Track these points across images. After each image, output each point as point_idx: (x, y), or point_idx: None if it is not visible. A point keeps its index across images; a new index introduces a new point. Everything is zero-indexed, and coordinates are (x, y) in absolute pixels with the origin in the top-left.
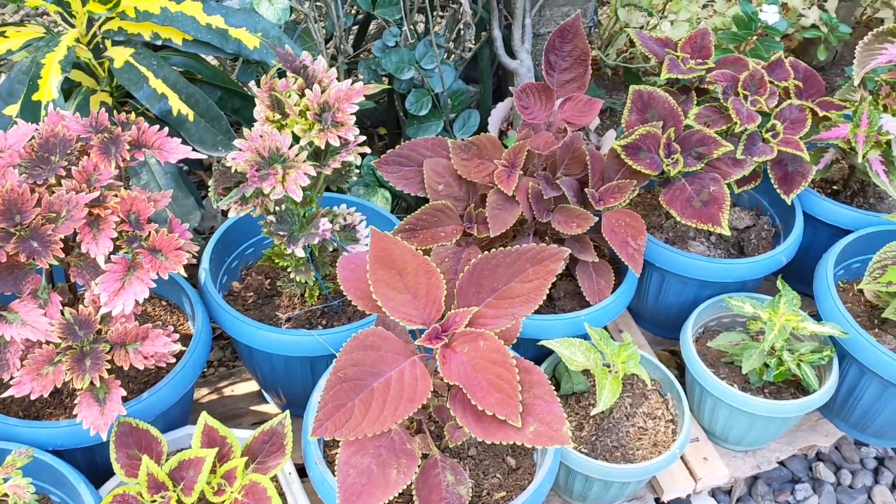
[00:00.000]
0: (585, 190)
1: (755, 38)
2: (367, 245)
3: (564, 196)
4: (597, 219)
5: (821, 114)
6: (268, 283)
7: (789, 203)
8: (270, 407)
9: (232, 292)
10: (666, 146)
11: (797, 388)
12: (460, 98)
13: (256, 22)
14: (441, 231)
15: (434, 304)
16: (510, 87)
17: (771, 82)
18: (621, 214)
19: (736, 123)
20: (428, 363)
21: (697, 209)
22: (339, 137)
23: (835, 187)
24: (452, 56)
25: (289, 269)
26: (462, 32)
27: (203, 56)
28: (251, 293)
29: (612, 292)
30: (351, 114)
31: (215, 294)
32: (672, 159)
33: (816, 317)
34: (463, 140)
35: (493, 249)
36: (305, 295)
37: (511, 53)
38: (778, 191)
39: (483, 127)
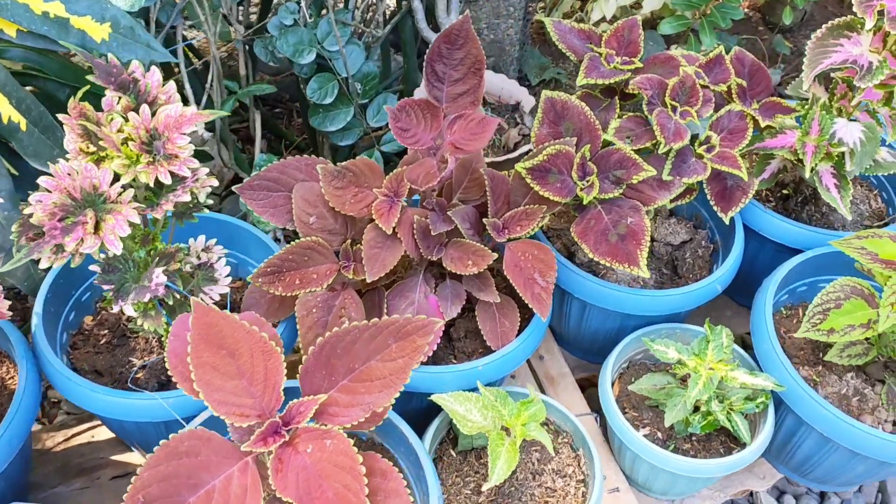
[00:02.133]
0: (485, 220)
1: (712, 2)
2: (227, 287)
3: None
4: (496, 256)
5: (763, 124)
6: (126, 317)
7: (727, 221)
8: (135, 456)
9: (82, 330)
10: (580, 167)
11: (729, 435)
12: (372, 82)
13: (104, 9)
14: (313, 272)
15: (274, 391)
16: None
17: (705, 87)
18: (529, 246)
19: (660, 143)
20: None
21: (613, 244)
22: (171, 173)
23: (785, 191)
24: (365, 34)
25: (136, 314)
26: (374, 6)
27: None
28: (105, 331)
29: (517, 335)
30: (182, 145)
31: (45, 346)
32: (587, 182)
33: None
34: (337, 165)
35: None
36: (164, 338)
37: (436, 26)
38: (715, 208)
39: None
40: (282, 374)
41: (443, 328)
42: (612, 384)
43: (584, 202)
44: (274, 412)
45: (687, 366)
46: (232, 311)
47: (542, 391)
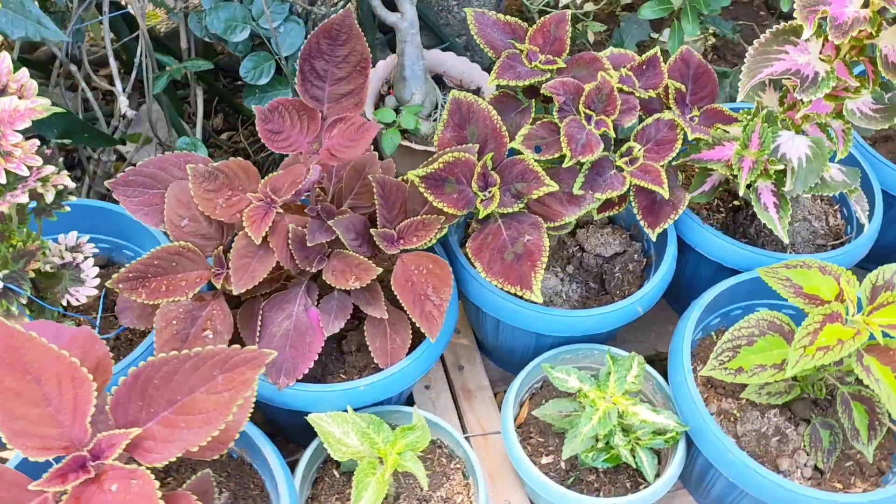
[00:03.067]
0: (372, 230)
1: None
2: (95, 289)
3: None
4: (381, 270)
5: (691, 136)
6: None
7: (654, 238)
8: None
9: None
10: (481, 177)
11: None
12: None
13: None
14: (182, 279)
15: (82, 422)
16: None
17: (629, 93)
18: (424, 259)
19: (565, 156)
20: None
21: (508, 264)
22: (7, 171)
23: (736, 202)
24: (311, 13)
25: None
26: None
27: None
28: None
29: (409, 352)
30: (15, 143)
31: None
32: (487, 194)
33: None
34: (209, 166)
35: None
36: None
37: (391, 3)
38: (642, 222)
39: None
40: (92, 402)
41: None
42: (522, 404)
43: (480, 216)
44: (82, 445)
45: (587, 396)
46: None
47: (457, 404)
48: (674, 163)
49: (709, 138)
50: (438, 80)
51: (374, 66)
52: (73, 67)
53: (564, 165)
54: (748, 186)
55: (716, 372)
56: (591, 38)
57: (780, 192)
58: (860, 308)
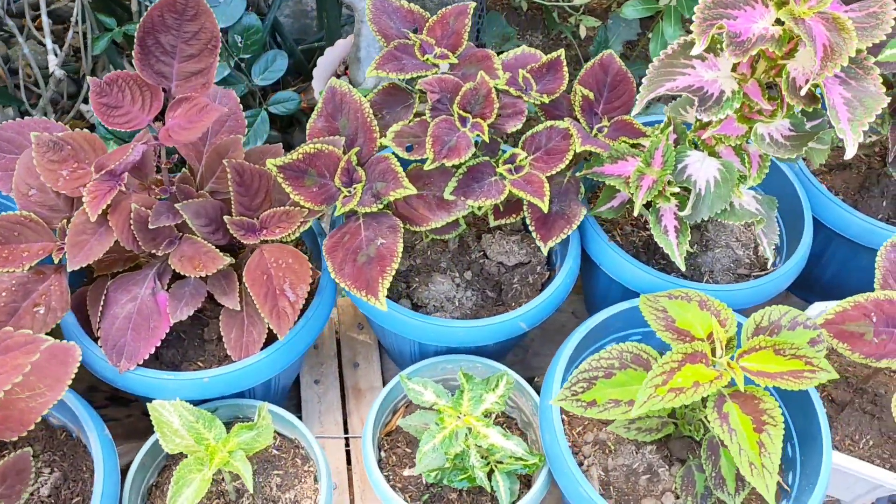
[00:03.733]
0: (225, 218)
1: None
2: None
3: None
4: (229, 261)
5: (580, 147)
6: None
7: (545, 252)
8: None
9: None
10: (345, 172)
11: None
12: (254, 36)
13: None
14: (24, 250)
15: None
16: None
17: (517, 97)
18: (284, 252)
19: (427, 159)
20: None
21: (359, 267)
22: None
23: None
24: None
25: None
26: None
27: None
28: None
29: (265, 346)
30: None
31: None
32: (351, 191)
33: None
34: (54, 135)
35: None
36: None
37: None
38: (534, 234)
39: (300, 70)
40: None
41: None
42: (397, 411)
43: (337, 213)
44: None
45: (443, 411)
46: None
47: (344, 403)
48: (577, 174)
49: (603, 152)
50: None
51: (332, 45)
52: (10, 22)
53: (426, 167)
54: (648, 206)
55: (566, 403)
56: (583, 32)
57: (681, 218)
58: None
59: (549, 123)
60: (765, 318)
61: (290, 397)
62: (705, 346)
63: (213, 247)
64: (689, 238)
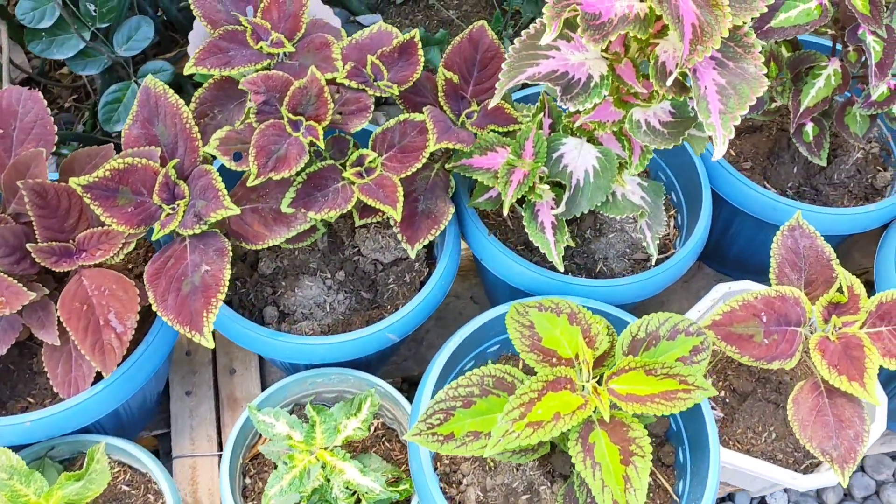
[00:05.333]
0: (29, 246)
1: None
2: None
3: None
4: (33, 296)
5: (434, 146)
6: None
7: (412, 256)
8: None
9: None
10: (164, 188)
11: None
12: (109, 4)
13: None
14: None
15: None
16: None
17: (360, 90)
18: (105, 277)
19: (250, 173)
20: None
21: (184, 297)
22: None
23: None
24: None
25: None
26: None
27: None
28: None
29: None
30: None
31: None
32: (173, 209)
33: None
34: None
35: None
36: None
37: None
38: (400, 236)
39: (184, 32)
40: None
41: None
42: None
43: (155, 235)
44: None
45: (295, 446)
46: None
47: (219, 417)
48: (447, 166)
49: (463, 147)
50: None
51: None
52: None
53: (249, 183)
54: (521, 202)
55: (421, 438)
56: None
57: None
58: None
59: (402, 117)
60: (641, 329)
61: (162, 409)
62: (569, 370)
63: (15, 280)
64: (566, 235)
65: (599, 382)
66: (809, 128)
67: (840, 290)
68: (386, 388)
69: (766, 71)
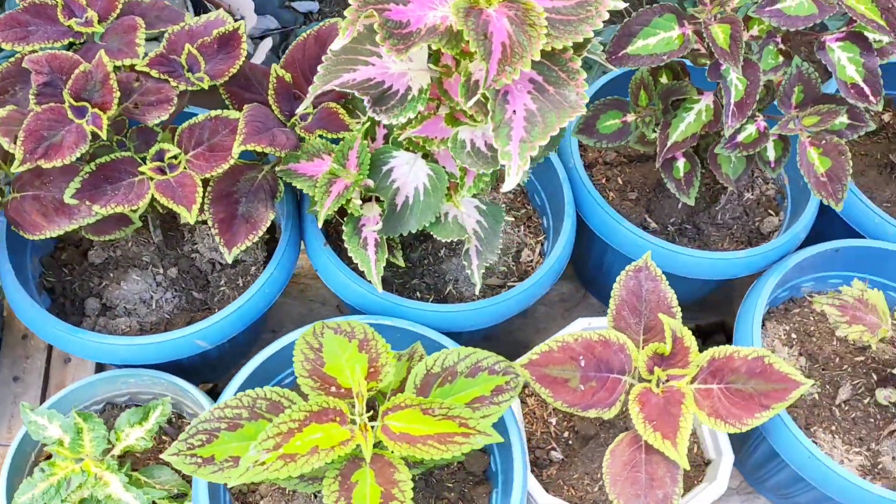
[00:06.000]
0: None
1: None
2: None
3: None
4: None
5: (239, 148)
6: None
7: (229, 260)
8: None
9: None
10: None
11: None
12: None
13: None
14: None
15: None
16: None
17: (163, 80)
18: None
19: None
20: None
21: None
22: None
23: None
24: None
25: None
26: None
27: None
28: None
29: None
30: None
31: None
32: None
33: None
34: None
35: None
36: None
37: None
38: (218, 239)
39: None
40: None
41: None
42: None
43: None
44: None
45: (60, 453)
46: None
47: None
48: (277, 169)
49: (277, 150)
50: (199, 2)
51: None
52: None
53: (13, 169)
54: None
55: (179, 458)
56: None
57: (354, 229)
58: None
59: (213, 113)
60: (437, 364)
61: None
62: (340, 402)
63: None
64: (386, 254)
65: (376, 418)
66: (681, 164)
67: (674, 339)
68: (197, 397)
69: (587, 100)
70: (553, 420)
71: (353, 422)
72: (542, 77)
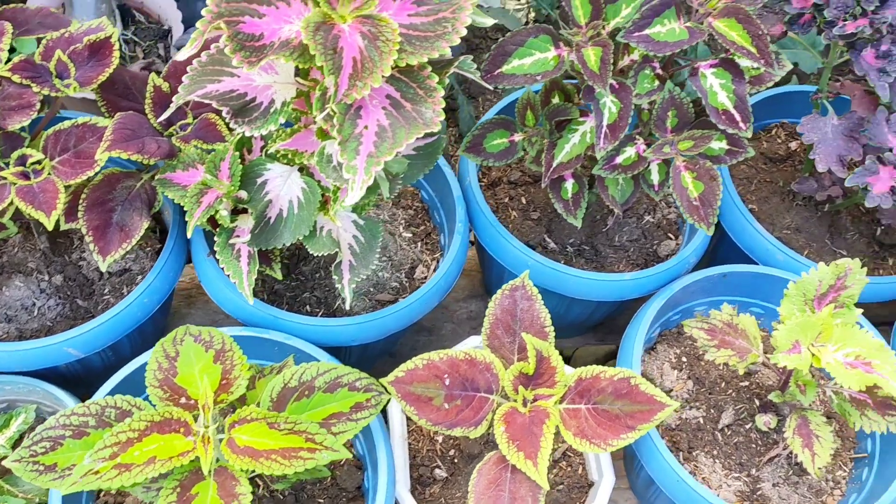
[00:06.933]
0: None
1: None
2: None
3: None
4: None
5: (128, 156)
6: None
7: (103, 268)
8: None
9: None
10: None
11: None
12: None
13: None
14: None
15: None
16: None
17: (25, 85)
18: None
19: None
20: None
21: None
22: None
23: None
24: None
25: None
26: None
27: None
28: None
29: None
30: None
31: None
32: None
33: None
34: None
35: None
36: None
37: None
38: (92, 246)
39: None
40: None
41: None
42: None
43: None
44: None
45: None
46: None
47: None
48: (156, 178)
49: (143, 158)
50: (128, 11)
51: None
52: None
53: None
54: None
55: (20, 465)
56: None
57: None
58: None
59: (80, 120)
60: (294, 378)
61: None
62: (184, 413)
63: None
64: (258, 266)
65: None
66: (570, 185)
67: (540, 359)
68: (72, 406)
69: (443, 117)
70: (439, 438)
71: (196, 433)
72: (400, 93)
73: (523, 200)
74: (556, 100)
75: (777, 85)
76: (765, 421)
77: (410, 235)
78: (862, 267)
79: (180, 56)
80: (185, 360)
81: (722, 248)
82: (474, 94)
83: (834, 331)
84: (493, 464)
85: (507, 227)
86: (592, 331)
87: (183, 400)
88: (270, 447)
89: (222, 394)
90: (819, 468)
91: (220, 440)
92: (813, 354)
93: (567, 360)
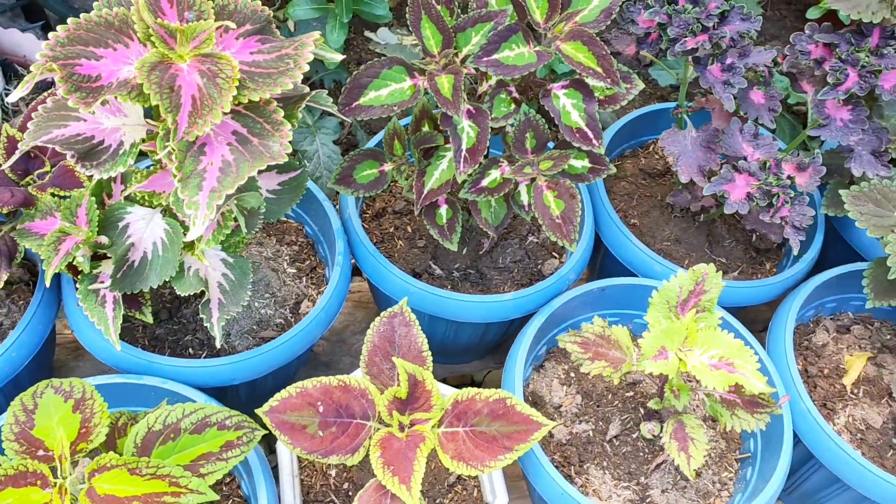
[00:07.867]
0: None
1: None
2: None
3: None
4: None
5: None
6: None
7: None
8: None
9: None
10: None
11: None
12: None
13: None
14: None
15: None
16: None
17: None
18: None
19: None
20: None
21: None
22: None
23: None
24: None
25: None
26: None
27: None
28: None
29: None
30: None
31: None
32: None
33: None
34: None
35: None
36: None
37: None
38: None
39: None
40: None
41: None
42: None
43: None
44: None
45: None
46: None
47: None
48: (19, 227)
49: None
50: (10, 66)
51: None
52: None
53: None
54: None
55: None
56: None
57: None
58: None
59: None
60: (158, 421)
61: None
62: (41, 465)
63: None
64: (121, 312)
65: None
66: (444, 210)
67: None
68: None
69: (290, 150)
70: (332, 472)
71: (55, 485)
72: (247, 129)
73: (409, 229)
74: (425, 128)
75: (663, 102)
76: (649, 428)
77: (295, 271)
78: (739, 272)
79: (11, 98)
80: (43, 412)
81: (606, 263)
82: (375, 130)
83: (698, 335)
84: (374, 490)
85: (393, 256)
86: (494, 354)
87: (41, 452)
88: (133, 493)
89: (81, 443)
90: (694, 470)
91: (81, 490)
92: (680, 359)
93: (479, 386)
